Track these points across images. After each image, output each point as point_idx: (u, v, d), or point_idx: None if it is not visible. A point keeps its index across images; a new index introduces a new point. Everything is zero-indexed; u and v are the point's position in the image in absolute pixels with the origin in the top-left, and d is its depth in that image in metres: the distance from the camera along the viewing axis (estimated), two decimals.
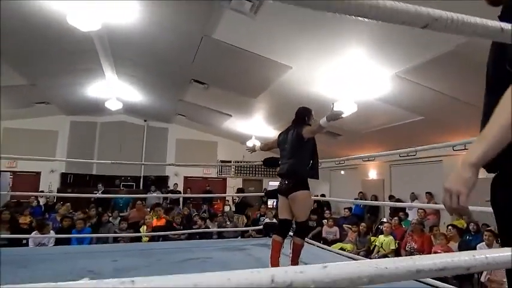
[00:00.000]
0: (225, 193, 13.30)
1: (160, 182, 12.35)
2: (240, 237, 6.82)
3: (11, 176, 12.00)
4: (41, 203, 9.94)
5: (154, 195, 10.24)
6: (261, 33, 5.07)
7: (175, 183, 12.38)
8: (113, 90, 9.32)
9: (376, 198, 10.32)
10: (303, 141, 2.96)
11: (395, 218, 6.99)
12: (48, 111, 10.96)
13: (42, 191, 10.93)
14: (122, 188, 11.20)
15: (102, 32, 5.82)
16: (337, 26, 4.55)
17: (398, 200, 8.87)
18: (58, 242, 5.28)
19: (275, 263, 2.79)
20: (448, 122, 6.64)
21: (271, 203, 12.60)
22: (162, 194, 11.16)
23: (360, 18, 0.70)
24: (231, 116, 10.03)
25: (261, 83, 6.98)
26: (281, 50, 5.57)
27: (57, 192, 10.89)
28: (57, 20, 5.24)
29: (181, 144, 13.15)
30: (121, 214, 7.93)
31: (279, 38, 5.14)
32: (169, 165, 13.14)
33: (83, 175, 11.76)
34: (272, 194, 4.73)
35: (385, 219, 8.10)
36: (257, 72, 6.53)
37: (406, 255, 5.60)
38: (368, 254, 6.09)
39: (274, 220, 7.31)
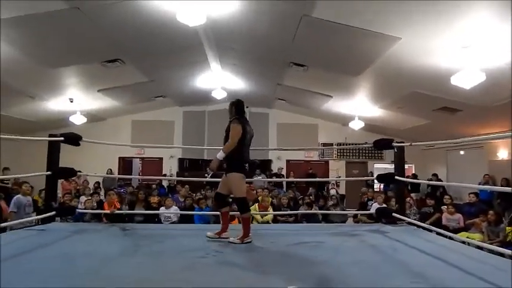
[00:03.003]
0: (328, 176, 13.09)
1: (264, 166, 12.80)
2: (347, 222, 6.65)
3: (140, 162, 14.01)
4: (165, 185, 11.33)
5: (260, 179, 10.68)
6: (362, 4, 4.68)
7: (281, 168, 12.64)
8: (218, 80, 9.91)
9: (507, 182, 8.84)
10: None
11: None
12: (165, 103, 12.31)
13: (165, 174, 12.44)
14: None
15: (206, 25, 6.18)
16: None
17: None
18: (182, 219, 5.94)
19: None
20: None
21: (377, 186, 11.97)
22: (267, 177, 11.57)
23: None
24: (331, 97, 9.71)
25: (364, 59, 6.52)
26: (387, 19, 5.07)
27: (176, 176, 12.26)
28: (168, 19, 5.73)
29: (282, 128, 13.36)
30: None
31: (384, 6, 4.67)
32: (271, 149, 13.49)
33: (196, 160, 12.99)
34: (385, 178, 4.40)
35: None
36: (360, 48, 6.11)
37: None
38: (504, 246, 5.25)
39: (384, 205, 6.90)
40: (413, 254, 2.96)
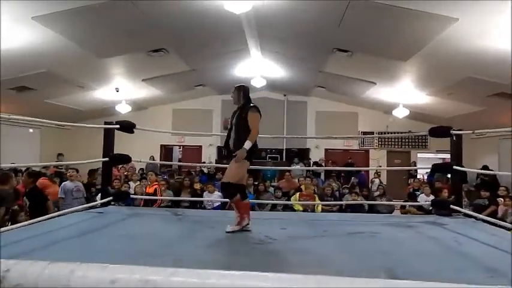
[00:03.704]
0: (368, 166, 12.75)
1: (302, 155, 12.69)
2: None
3: (180, 150, 14.39)
4: (205, 172, 11.55)
5: (298, 168, 10.61)
6: None
7: (323, 159, 12.37)
8: (258, 68, 9.86)
9: None
10: None
11: None
12: (205, 92, 12.47)
13: (204, 162, 12.69)
14: (268, 160, 11.99)
15: (250, 13, 6.11)
16: None
17: None
18: (225, 205, 6.03)
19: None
20: None
21: (420, 176, 11.49)
22: (305, 166, 11.48)
23: None
24: (375, 83, 9.36)
25: (415, 43, 6.19)
26: None
27: (216, 163, 12.45)
28: (213, 8, 5.75)
29: (320, 117, 13.13)
30: (272, 184, 8.51)
31: None
32: (310, 138, 13.32)
33: None
34: (442, 168, 4.17)
35: None
36: (411, 31, 5.80)
37: None
38: None
39: (432, 197, 6.61)
40: (479, 247, 2.80)
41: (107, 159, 3.96)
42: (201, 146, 13.38)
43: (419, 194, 7.48)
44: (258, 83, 10.34)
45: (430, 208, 6.22)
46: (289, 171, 9.27)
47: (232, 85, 11.39)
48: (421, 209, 5.94)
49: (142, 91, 10.63)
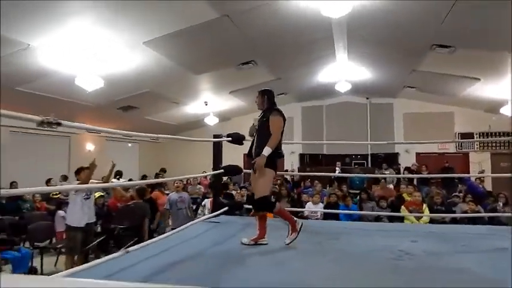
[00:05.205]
0: (467, 171, 11.48)
1: (391, 160, 11.96)
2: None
3: None
4: (288, 180, 11.53)
5: (389, 175, 10.00)
6: None
7: (415, 164, 11.30)
8: (343, 72, 9.58)
9: None
10: None
11: None
12: (286, 100, 12.47)
13: (286, 170, 12.70)
14: (355, 166, 11.52)
15: (343, 16, 5.95)
16: None
17: None
18: (326, 216, 5.89)
19: None
20: None
21: None
22: (394, 171, 10.78)
23: None
24: (479, 79, 8.43)
25: None
26: None
27: (298, 171, 12.38)
28: (302, 15, 5.71)
29: (409, 119, 12.28)
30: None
31: None
32: (396, 143, 12.48)
33: (316, 155, 12.93)
34: None
35: None
36: None
37: None
38: None
39: None
40: None
41: (221, 171, 4.12)
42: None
43: None
44: (342, 87, 10.07)
45: None
46: (384, 178, 8.78)
47: (312, 91, 11.17)
48: None
49: (228, 103, 11.06)
